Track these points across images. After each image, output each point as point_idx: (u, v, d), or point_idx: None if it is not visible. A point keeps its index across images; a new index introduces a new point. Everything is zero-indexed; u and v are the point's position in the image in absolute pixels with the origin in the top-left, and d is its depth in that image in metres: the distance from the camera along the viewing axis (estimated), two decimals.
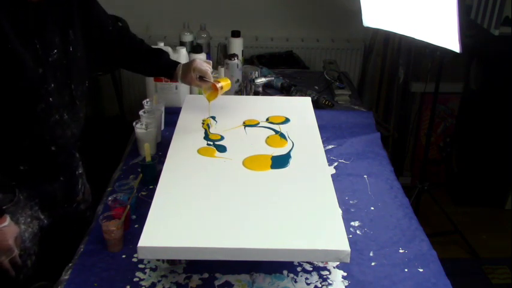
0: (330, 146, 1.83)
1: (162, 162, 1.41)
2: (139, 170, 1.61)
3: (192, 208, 1.20)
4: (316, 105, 2.09)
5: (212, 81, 1.61)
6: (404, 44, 2.83)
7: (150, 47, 1.66)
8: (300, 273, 1.24)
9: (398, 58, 2.88)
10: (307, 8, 2.96)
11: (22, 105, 1.29)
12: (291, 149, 1.49)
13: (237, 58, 2.19)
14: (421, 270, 1.27)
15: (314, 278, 1.23)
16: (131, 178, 1.55)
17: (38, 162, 1.39)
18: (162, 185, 1.29)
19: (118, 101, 2.93)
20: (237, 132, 1.60)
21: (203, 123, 1.64)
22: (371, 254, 1.31)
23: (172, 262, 1.24)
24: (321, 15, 2.99)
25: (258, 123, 1.66)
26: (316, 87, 2.39)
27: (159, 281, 1.20)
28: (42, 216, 1.46)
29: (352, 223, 1.43)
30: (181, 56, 2.02)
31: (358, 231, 1.40)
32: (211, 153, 1.46)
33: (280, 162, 1.41)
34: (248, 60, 2.74)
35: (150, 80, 2.02)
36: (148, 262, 1.25)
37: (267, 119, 1.68)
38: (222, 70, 2.15)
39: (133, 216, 1.42)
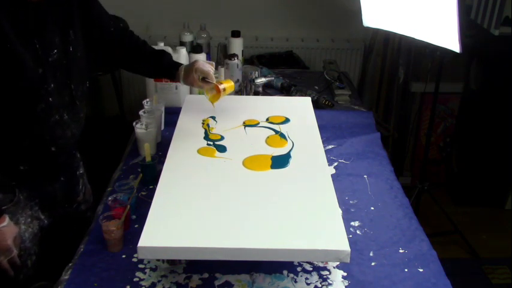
0: (330, 146, 1.83)
1: (162, 162, 1.41)
2: (139, 170, 1.61)
3: (192, 208, 1.20)
4: (316, 105, 2.09)
5: (214, 82, 1.60)
6: (404, 44, 2.83)
7: (153, 49, 1.65)
8: (300, 273, 1.24)
9: (398, 58, 2.88)
10: (307, 8, 2.96)
11: (22, 105, 1.29)
12: (291, 149, 1.49)
13: (237, 58, 2.19)
14: (421, 270, 1.27)
15: (314, 278, 1.23)
16: (131, 178, 1.55)
17: (38, 162, 1.39)
18: (162, 185, 1.29)
19: (118, 101, 2.93)
20: (237, 132, 1.60)
21: (203, 123, 1.64)
22: (371, 254, 1.31)
23: (172, 262, 1.24)
24: (321, 15, 2.99)
25: (258, 123, 1.66)
26: (316, 87, 2.39)
27: (159, 281, 1.20)
28: (42, 217, 1.46)
29: (352, 223, 1.43)
30: (181, 56, 2.02)
31: (358, 231, 1.40)
32: (211, 153, 1.46)
33: (280, 162, 1.41)
34: (248, 60, 2.74)
35: (150, 80, 2.02)
36: (148, 262, 1.25)
37: (267, 119, 1.68)
38: (222, 70, 2.15)
39: (134, 216, 1.42)
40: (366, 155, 1.80)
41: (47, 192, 1.46)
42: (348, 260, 1.09)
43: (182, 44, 2.46)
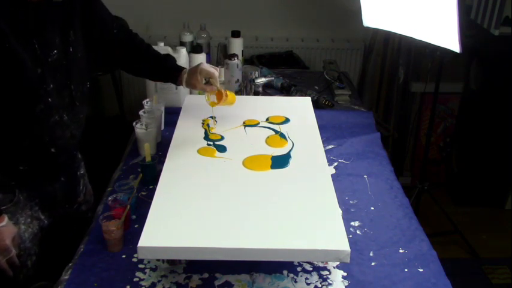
0: (330, 146, 1.83)
1: (162, 162, 1.41)
2: (139, 170, 1.61)
3: (192, 208, 1.20)
4: (316, 105, 2.09)
5: (218, 85, 1.58)
6: (404, 44, 2.83)
7: (158, 52, 1.64)
8: (300, 273, 1.24)
9: (398, 58, 2.88)
10: (307, 8, 2.96)
11: (21, 105, 1.29)
12: (291, 149, 1.49)
13: (237, 58, 2.19)
14: (421, 270, 1.27)
15: (314, 278, 1.23)
16: (131, 178, 1.55)
17: (37, 162, 1.39)
18: (162, 185, 1.29)
19: (118, 101, 2.93)
20: (237, 132, 1.60)
21: (203, 123, 1.64)
22: (371, 254, 1.31)
23: (172, 262, 1.24)
24: (321, 15, 2.99)
25: (258, 123, 1.66)
26: (316, 87, 2.39)
27: (159, 281, 1.20)
28: (42, 217, 1.45)
29: (352, 223, 1.43)
30: (181, 56, 2.02)
31: (358, 231, 1.40)
32: (211, 153, 1.46)
33: (280, 162, 1.41)
34: (248, 60, 2.74)
35: (150, 81, 2.02)
36: (148, 262, 1.25)
37: (267, 119, 1.68)
38: (222, 70, 2.15)
39: (134, 216, 1.42)
40: (366, 155, 1.80)
41: (47, 192, 1.46)
42: (348, 260, 1.09)
43: (182, 44, 2.46)
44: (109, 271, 1.23)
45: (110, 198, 1.40)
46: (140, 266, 1.25)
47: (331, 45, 3.04)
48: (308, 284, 1.20)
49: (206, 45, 2.54)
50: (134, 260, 1.27)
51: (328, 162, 1.47)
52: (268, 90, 2.29)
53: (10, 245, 1.28)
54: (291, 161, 1.42)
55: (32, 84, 1.27)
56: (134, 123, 1.70)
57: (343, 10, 2.84)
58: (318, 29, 3.04)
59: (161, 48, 1.96)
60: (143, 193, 1.52)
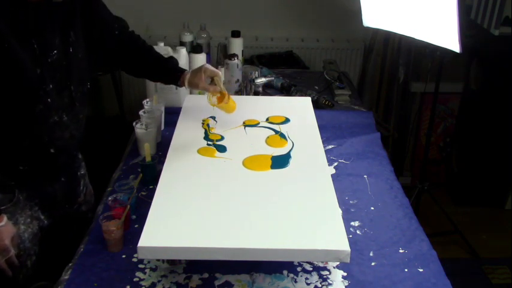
0: (330, 146, 1.83)
1: (162, 162, 1.41)
2: (139, 170, 1.61)
3: (192, 208, 1.20)
4: (316, 105, 2.09)
5: (222, 85, 1.58)
6: (404, 44, 2.83)
7: (160, 54, 1.64)
8: (300, 273, 1.24)
9: (398, 58, 2.88)
10: (307, 8, 2.96)
11: (20, 105, 1.28)
12: (291, 149, 1.49)
13: (237, 58, 2.19)
14: (421, 270, 1.27)
15: (314, 278, 1.23)
16: (131, 178, 1.55)
17: (37, 162, 1.39)
18: (162, 185, 1.29)
19: (118, 101, 2.93)
20: (237, 132, 1.60)
21: (203, 123, 1.64)
22: (371, 254, 1.31)
23: (172, 262, 1.24)
24: (321, 15, 2.99)
25: (258, 123, 1.66)
26: (316, 87, 2.39)
27: (159, 281, 1.20)
28: (42, 217, 1.45)
29: (352, 223, 1.43)
30: (181, 56, 2.02)
31: (358, 231, 1.40)
32: (211, 153, 1.46)
33: (280, 162, 1.41)
34: (248, 60, 2.74)
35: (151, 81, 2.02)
36: (148, 262, 1.25)
37: (267, 119, 1.68)
38: (222, 70, 2.15)
39: (134, 216, 1.42)
40: (366, 155, 1.80)
41: (47, 192, 1.46)
42: (348, 260, 1.09)
43: (182, 44, 2.46)
44: (109, 271, 1.23)
45: (110, 198, 1.40)
46: (140, 266, 1.25)
47: (331, 45, 3.04)
48: (308, 284, 1.20)
49: (206, 45, 2.54)
50: (134, 260, 1.27)
51: (328, 162, 1.47)
52: (268, 90, 2.29)
53: (9, 245, 1.27)
54: (291, 161, 1.42)
55: (31, 85, 1.27)
56: (134, 123, 1.70)
57: (343, 10, 2.84)
58: (318, 29, 3.04)
59: (161, 48, 1.96)
60: (143, 193, 1.52)
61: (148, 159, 1.55)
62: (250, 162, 1.41)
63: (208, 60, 2.31)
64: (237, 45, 2.42)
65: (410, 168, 3.18)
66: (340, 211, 1.29)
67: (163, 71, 1.64)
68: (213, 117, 1.67)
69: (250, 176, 1.35)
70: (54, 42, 1.30)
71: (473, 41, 2.65)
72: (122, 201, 1.38)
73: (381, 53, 2.97)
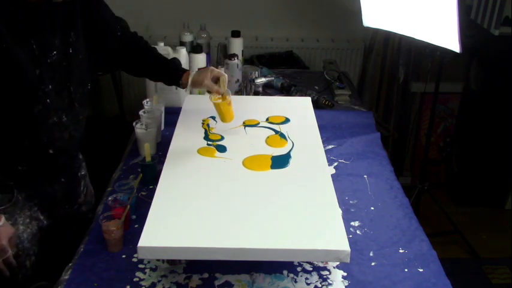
0: (330, 146, 1.83)
1: (162, 162, 1.41)
2: (139, 170, 1.61)
3: (192, 208, 1.20)
4: (316, 105, 2.09)
5: (226, 88, 1.57)
6: (404, 44, 2.83)
7: (161, 55, 1.64)
8: (300, 273, 1.24)
9: (398, 58, 2.88)
10: (307, 8, 2.96)
11: (19, 105, 1.28)
12: (291, 149, 1.49)
13: (237, 58, 2.19)
14: (421, 270, 1.27)
15: (314, 278, 1.23)
16: (131, 178, 1.55)
17: (36, 163, 1.39)
18: (162, 185, 1.29)
19: (118, 101, 2.93)
20: (237, 132, 1.60)
21: (203, 123, 1.64)
22: (371, 254, 1.31)
23: (172, 262, 1.24)
24: (321, 15, 2.99)
25: (258, 123, 1.66)
26: (316, 87, 2.39)
27: (159, 281, 1.20)
28: (41, 217, 1.45)
29: (352, 223, 1.43)
30: (181, 56, 2.02)
31: (358, 231, 1.40)
32: (211, 153, 1.46)
33: (280, 162, 1.41)
34: (248, 60, 2.74)
35: (150, 80, 2.02)
36: (148, 262, 1.25)
37: (267, 119, 1.68)
38: (222, 70, 2.14)
39: (134, 216, 1.42)
40: (366, 155, 1.80)
41: (46, 193, 1.46)
42: (348, 260, 1.09)
43: (182, 44, 2.46)
44: (109, 271, 1.23)
45: (110, 198, 1.39)
46: (140, 266, 1.25)
47: (331, 45, 3.04)
48: (308, 284, 1.20)
49: (206, 45, 2.54)
50: (134, 260, 1.27)
51: (328, 162, 1.47)
52: (268, 90, 2.29)
53: (7, 245, 1.26)
54: (291, 161, 1.42)
55: (30, 85, 1.26)
56: (134, 123, 1.70)
57: (343, 10, 2.84)
58: (318, 29, 3.04)
59: (161, 48, 1.96)
60: (143, 193, 1.52)
61: (148, 159, 1.55)
62: (250, 162, 1.41)
63: (208, 60, 2.31)
64: (237, 45, 2.42)
65: (410, 168, 3.19)
66: (340, 211, 1.29)
67: (165, 71, 1.64)
68: (213, 117, 1.67)
69: (250, 176, 1.35)
70: (54, 42, 1.30)
71: (473, 41, 2.65)
72: (122, 201, 1.38)
73: (380, 53, 2.97)
